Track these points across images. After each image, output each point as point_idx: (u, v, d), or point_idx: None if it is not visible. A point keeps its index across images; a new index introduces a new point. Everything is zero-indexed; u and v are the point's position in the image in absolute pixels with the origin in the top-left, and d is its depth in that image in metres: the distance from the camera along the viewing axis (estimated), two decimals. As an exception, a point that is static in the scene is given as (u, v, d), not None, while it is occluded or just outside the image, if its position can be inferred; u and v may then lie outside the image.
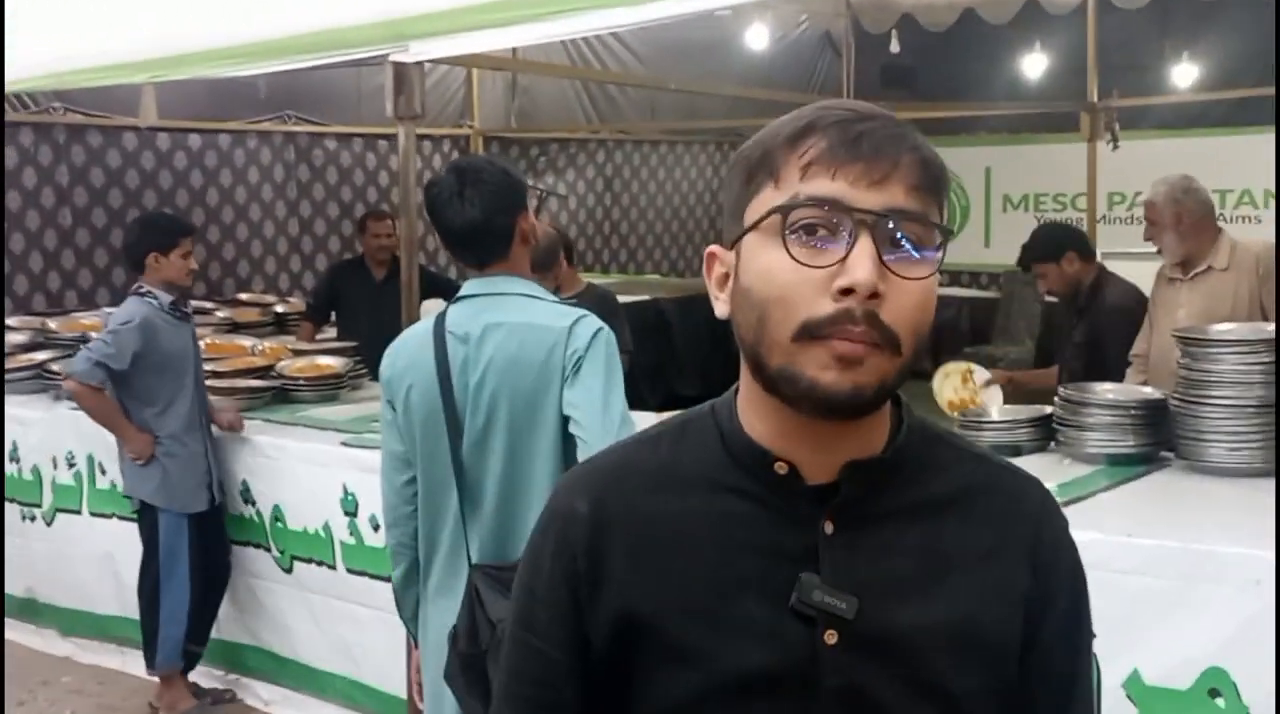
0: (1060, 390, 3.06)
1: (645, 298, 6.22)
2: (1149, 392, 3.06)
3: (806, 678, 0.88)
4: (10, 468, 4.29)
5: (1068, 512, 2.60)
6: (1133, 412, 2.92)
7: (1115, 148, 5.46)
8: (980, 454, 0.99)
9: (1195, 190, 3.61)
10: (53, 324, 5.00)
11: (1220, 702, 2.21)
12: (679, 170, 8.70)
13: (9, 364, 4.42)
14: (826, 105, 0.89)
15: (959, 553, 0.92)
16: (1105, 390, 3.05)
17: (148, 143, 6.17)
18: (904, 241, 0.85)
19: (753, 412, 0.92)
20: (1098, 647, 2.27)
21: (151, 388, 3.58)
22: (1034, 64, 7.82)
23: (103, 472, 4.03)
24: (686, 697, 0.89)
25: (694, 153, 8.76)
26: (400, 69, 2.92)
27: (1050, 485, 2.85)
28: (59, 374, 4.18)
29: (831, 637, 0.88)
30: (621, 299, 4.59)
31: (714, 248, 0.92)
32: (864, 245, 0.83)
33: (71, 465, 4.16)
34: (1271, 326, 2.92)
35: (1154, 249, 3.72)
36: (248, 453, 3.68)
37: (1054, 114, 6.84)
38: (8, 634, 4.18)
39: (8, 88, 3.84)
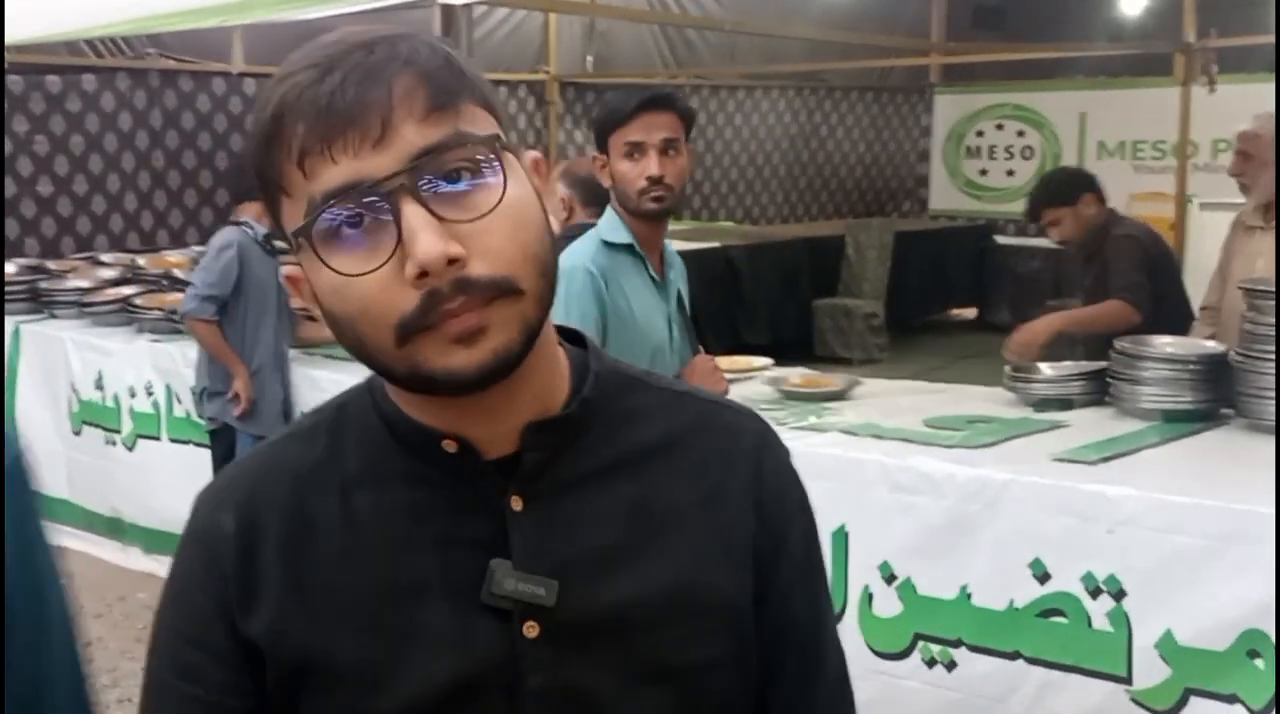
0: (1116, 343, 2.95)
1: (714, 245, 6.19)
2: (1210, 345, 2.93)
3: (507, 682, 0.75)
4: (95, 395, 4.53)
5: (1108, 467, 2.55)
6: (1191, 366, 2.80)
7: (1212, 91, 5.20)
8: (686, 392, 0.86)
9: None
10: (141, 261, 5.22)
11: (1259, 663, 2.13)
12: (756, 116, 8.58)
13: (98, 297, 4.65)
14: (290, 69, 0.73)
15: (673, 507, 0.80)
16: (1164, 343, 2.93)
17: (235, 88, 6.34)
18: (453, 180, 0.70)
19: (402, 393, 0.77)
20: (1129, 605, 2.25)
21: (244, 314, 3.74)
22: (1131, 2, 7.46)
23: (178, 401, 4.23)
24: None
25: (773, 98, 8.62)
26: (448, 11, 2.94)
27: (1097, 439, 2.78)
28: (143, 308, 4.39)
29: (532, 629, 0.75)
30: (688, 247, 4.54)
31: (290, 270, 0.77)
32: (411, 216, 0.69)
33: (150, 394, 4.36)
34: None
35: (1239, 193, 3.53)
36: (307, 387, 3.81)
37: (1152, 56, 6.52)
38: (93, 551, 4.44)
39: (97, 32, 3.98)
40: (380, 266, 0.69)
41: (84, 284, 4.76)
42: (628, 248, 2.28)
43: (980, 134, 8.73)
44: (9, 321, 4.77)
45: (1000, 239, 8.26)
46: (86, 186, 5.87)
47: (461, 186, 0.70)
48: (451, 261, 0.69)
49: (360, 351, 0.74)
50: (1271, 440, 2.63)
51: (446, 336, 0.70)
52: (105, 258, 5.30)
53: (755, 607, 0.81)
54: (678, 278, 2.43)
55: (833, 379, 3.30)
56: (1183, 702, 2.21)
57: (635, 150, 2.23)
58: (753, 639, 0.81)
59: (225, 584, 0.77)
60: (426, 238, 0.68)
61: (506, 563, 0.75)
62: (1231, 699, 2.15)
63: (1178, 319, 3.50)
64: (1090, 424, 2.82)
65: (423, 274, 0.68)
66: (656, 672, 0.77)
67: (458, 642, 0.75)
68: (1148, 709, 2.24)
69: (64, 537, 4.52)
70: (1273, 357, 2.65)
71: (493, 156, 0.71)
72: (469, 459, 0.77)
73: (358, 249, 0.70)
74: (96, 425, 4.55)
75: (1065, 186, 3.84)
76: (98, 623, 3.86)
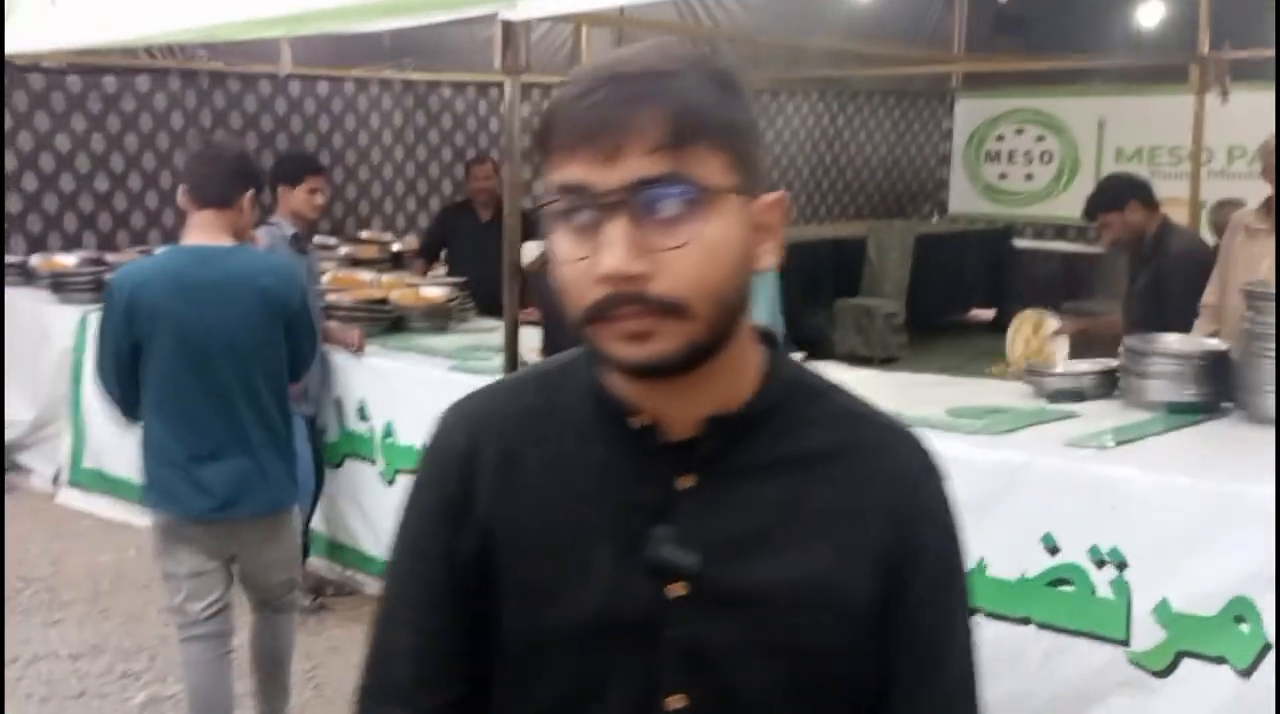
0: (1125, 340, 3.16)
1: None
2: (1212, 343, 3.14)
3: (648, 629, 0.87)
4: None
5: (1119, 452, 2.77)
6: (1195, 362, 3.01)
7: (1225, 101, 5.38)
8: (860, 412, 0.94)
9: None
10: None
11: (1244, 627, 2.35)
12: (781, 119, 8.79)
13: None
14: (574, 78, 0.84)
15: (820, 510, 0.89)
16: (1169, 341, 3.14)
17: (281, 89, 6.59)
18: (663, 210, 0.80)
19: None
20: (1130, 576, 2.47)
21: None
22: (1149, 13, 7.64)
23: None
24: (533, 635, 0.90)
25: (796, 102, 8.83)
26: (509, 26, 3.16)
27: (1106, 427, 3.00)
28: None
29: (677, 589, 0.87)
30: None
31: None
32: (613, 229, 0.80)
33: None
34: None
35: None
36: (367, 374, 4.02)
37: (1168, 65, 6.71)
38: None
39: (166, 39, 4.22)
40: (582, 259, 0.83)
41: (145, 275, 4.99)
42: None
43: (1000, 138, 8.91)
44: (76, 311, 5.03)
45: (1018, 242, 8.43)
46: (140, 183, 6.14)
47: (665, 217, 0.81)
48: (631, 277, 0.80)
49: (569, 316, 0.86)
50: (1265, 429, 2.84)
51: (618, 332, 0.83)
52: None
53: (885, 611, 0.89)
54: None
55: None
56: (1175, 663, 2.43)
57: None
58: (870, 639, 0.89)
59: (450, 495, 0.93)
60: (614, 252, 0.80)
61: (667, 530, 0.87)
62: (1219, 661, 2.37)
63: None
64: (1100, 414, 3.03)
65: (604, 279, 0.81)
66: (779, 648, 0.87)
67: (615, 586, 0.88)
68: (1144, 670, 2.46)
69: (131, 514, 4.78)
70: (1271, 354, 2.86)
71: (702, 201, 0.81)
72: (653, 436, 0.88)
73: (573, 237, 0.83)
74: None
75: (1113, 193, 4.05)
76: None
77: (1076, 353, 3.76)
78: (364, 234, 6.59)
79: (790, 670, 0.87)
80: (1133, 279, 4.09)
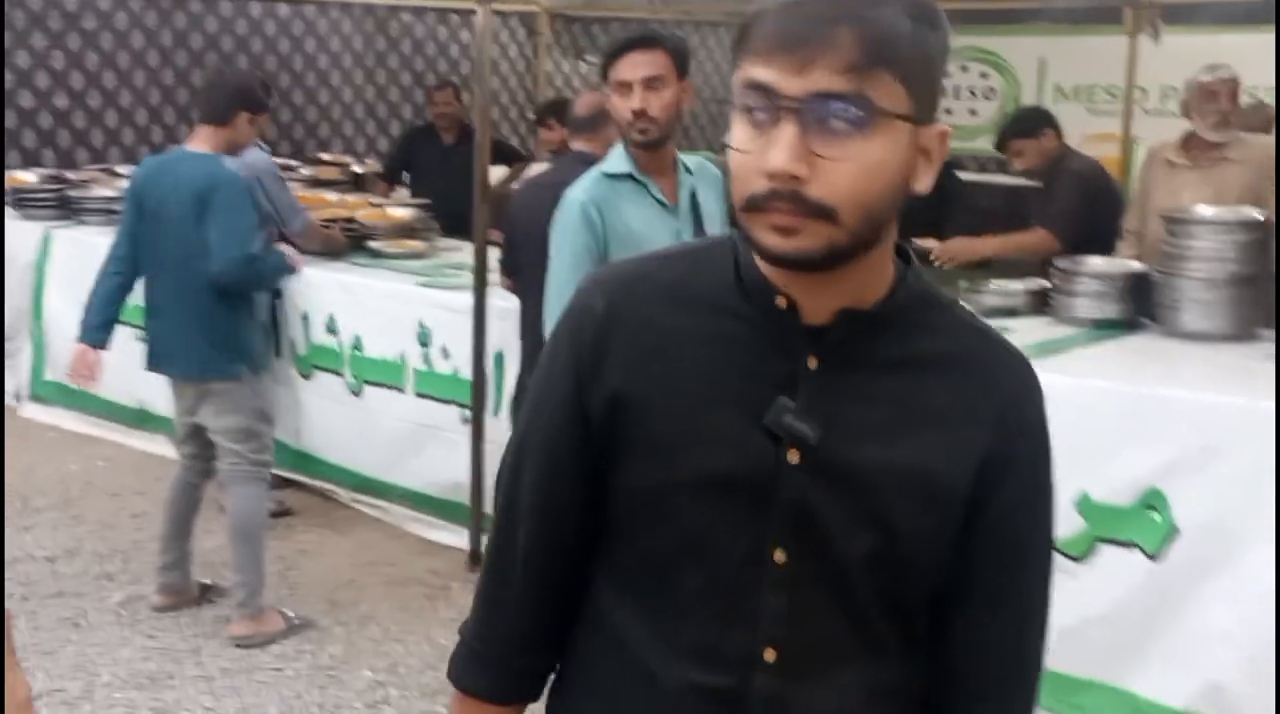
0: (1055, 261, 3.41)
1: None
2: (1134, 265, 3.41)
3: (764, 487, 0.95)
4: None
5: (1046, 361, 3.04)
6: (1118, 282, 3.28)
7: (1157, 42, 5.62)
8: (977, 327, 1.02)
9: None
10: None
11: (1155, 515, 2.62)
12: (720, 52, 8.88)
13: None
14: None
15: (930, 408, 0.97)
16: (1095, 263, 3.40)
17: (242, 11, 6.56)
18: (834, 123, 0.87)
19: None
20: (1054, 472, 2.72)
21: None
22: (1093, -45, 7.80)
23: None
24: (655, 485, 0.98)
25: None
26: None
27: (1035, 341, 3.27)
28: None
29: (793, 456, 0.94)
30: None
31: None
32: (784, 131, 0.87)
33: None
34: (1249, 210, 3.22)
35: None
36: (337, 289, 4.11)
37: (1105, 7, 6.92)
38: (124, 440, 4.79)
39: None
40: (753, 153, 0.90)
41: (109, 193, 5.01)
42: (626, 176, 2.46)
43: (946, 75, 9.11)
44: (39, 228, 5.06)
45: (962, 175, 8.66)
46: (100, 101, 6.11)
47: (835, 129, 0.87)
48: (793, 177, 0.88)
49: (733, 198, 0.94)
50: (1182, 343, 3.12)
51: (769, 223, 0.91)
52: (120, 169, 5.55)
53: (976, 509, 0.97)
54: (707, 192, 2.57)
55: None
56: (1092, 549, 2.70)
57: (623, 87, 2.42)
58: (956, 529, 0.97)
59: (583, 350, 1.01)
60: (780, 152, 0.88)
61: (790, 402, 0.94)
62: (1132, 546, 2.65)
63: (1112, 244, 3.96)
64: (1030, 329, 3.28)
65: (769, 174, 0.89)
66: (877, 523, 0.96)
67: (737, 446, 0.96)
68: (1066, 556, 2.72)
69: (96, 427, 4.89)
70: (1185, 273, 3.13)
71: (872, 122, 0.87)
72: (792, 318, 0.96)
73: (750, 131, 0.90)
74: (124, 323, 4.83)
75: (1029, 122, 4.32)
76: (141, 499, 4.25)
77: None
78: (324, 156, 6.62)
79: (882, 544, 0.96)
80: (1041, 205, 4.36)
